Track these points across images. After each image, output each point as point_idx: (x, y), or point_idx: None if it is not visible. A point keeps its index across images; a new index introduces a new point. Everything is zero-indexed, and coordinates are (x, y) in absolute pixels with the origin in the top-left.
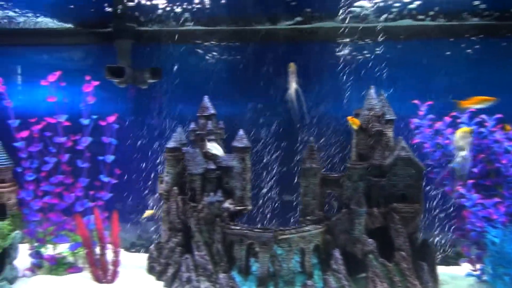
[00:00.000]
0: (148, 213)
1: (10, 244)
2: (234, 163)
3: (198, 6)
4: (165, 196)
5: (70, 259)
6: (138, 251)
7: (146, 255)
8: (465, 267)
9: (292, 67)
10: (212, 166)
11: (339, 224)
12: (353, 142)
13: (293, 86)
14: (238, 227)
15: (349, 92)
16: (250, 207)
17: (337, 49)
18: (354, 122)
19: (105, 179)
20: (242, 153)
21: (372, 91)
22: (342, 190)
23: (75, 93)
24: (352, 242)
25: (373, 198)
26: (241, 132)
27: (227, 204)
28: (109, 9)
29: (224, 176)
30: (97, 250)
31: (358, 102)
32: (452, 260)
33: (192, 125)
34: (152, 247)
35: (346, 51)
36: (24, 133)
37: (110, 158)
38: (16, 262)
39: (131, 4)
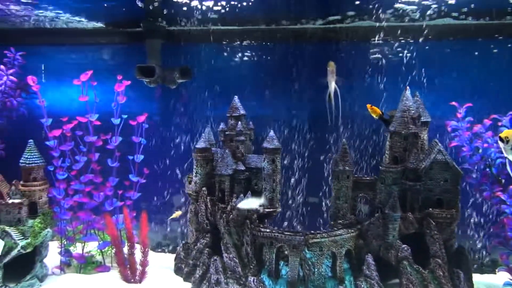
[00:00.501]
0: (176, 214)
1: (41, 242)
2: (264, 165)
3: (229, 5)
4: (194, 196)
5: (98, 258)
6: (164, 251)
7: (172, 255)
8: (503, 276)
9: (331, 66)
10: (241, 167)
11: (372, 228)
12: (387, 145)
13: (332, 85)
14: (268, 230)
15: (383, 93)
16: (279, 209)
17: (371, 49)
18: (374, 111)
19: (134, 178)
20: (273, 154)
21: (407, 92)
22: (375, 193)
23: (105, 92)
24: (386, 248)
25: (407, 202)
26: (271, 133)
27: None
28: (140, 8)
29: (253, 177)
30: (126, 249)
31: (392, 103)
32: (487, 268)
33: (222, 126)
34: (179, 247)
35: (381, 50)
36: (56, 132)
37: (139, 157)
38: (45, 260)
39: (161, 3)
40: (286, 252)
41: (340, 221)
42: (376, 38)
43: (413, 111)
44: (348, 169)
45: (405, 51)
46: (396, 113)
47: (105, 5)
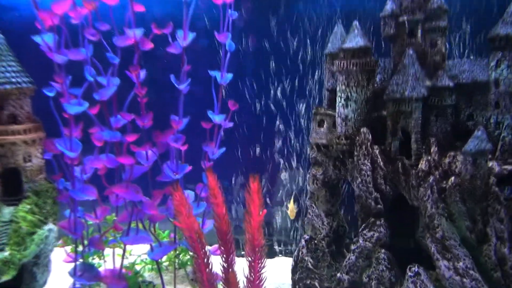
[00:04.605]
0: (290, 209)
1: (35, 254)
2: (497, 75)
3: None
4: (341, 145)
5: (151, 275)
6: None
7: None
8: None
9: None
10: (447, 82)
11: None
12: None
13: None
14: None
15: None
16: None
17: None
18: None
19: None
20: None
21: None
22: None
23: None
24: None
25: None
26: None
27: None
28: None
29: (463, 103)
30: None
31: None
32: None
33: (390, 3)
34: (300, 247)
35: None
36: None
37: None
38: None
39: None
40: None
41: None
42: None
43: None
44: None
45: None
46: None
47: None
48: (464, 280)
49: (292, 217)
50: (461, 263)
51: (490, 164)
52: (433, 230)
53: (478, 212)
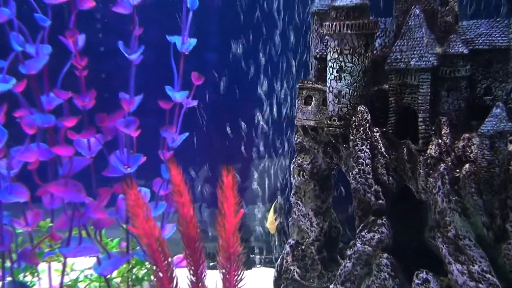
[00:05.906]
0: (270, 221)
1: None
2: None
3: None
4: (334, 129)
5: None
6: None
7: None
8: None
9: None
10: (461, 48)
11: None
12: None
13: None
14: None
15: None
16: None
17: None
18: None
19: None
20: None
21: None
22: None
23: None
24: None
25: None
26: None
27: None
28: None
29: (479, 74)
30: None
31: None
32: None
33: None
34: (284, 253)
35: None
36: None
37: None
38: None
39: None
40: None
41: None
42: None
43: None
44: None
45: None
46: None
47: None
48: (480, 286)
49: (272, 231)
50: (476, 266)
51: (510, 147)
52: (445, 228)
53: (496, 206)
